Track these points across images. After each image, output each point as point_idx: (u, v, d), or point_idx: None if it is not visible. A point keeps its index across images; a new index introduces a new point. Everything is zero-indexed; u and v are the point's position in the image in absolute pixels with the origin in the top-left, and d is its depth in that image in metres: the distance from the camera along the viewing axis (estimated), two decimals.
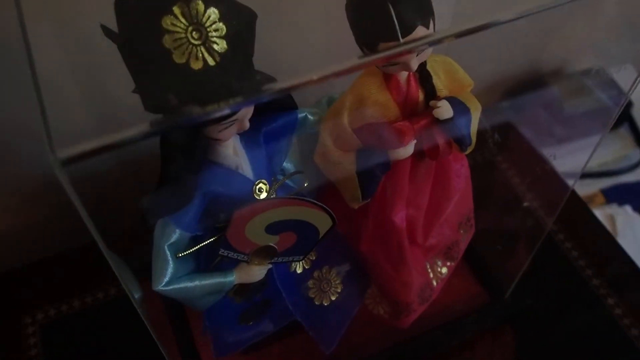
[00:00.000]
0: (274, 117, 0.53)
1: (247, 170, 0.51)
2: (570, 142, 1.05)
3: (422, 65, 0.54)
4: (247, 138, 0.51)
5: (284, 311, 0.64)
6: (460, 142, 0.56)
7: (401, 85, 0.54)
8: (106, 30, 0.42)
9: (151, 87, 0.40)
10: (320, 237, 0.55)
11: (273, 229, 0.52)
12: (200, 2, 0.39)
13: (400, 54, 0.47)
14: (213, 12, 0.40)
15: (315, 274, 0.64)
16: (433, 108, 0.55)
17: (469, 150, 0.59)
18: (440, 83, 0.55)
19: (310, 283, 0.64)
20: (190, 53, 0.39)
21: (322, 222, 0.53)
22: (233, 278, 0.56)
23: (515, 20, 0.36)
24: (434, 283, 0.72)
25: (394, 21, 0.45)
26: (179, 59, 0.39)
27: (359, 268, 0.68)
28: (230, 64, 0.41)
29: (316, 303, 0.65)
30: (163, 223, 0.50)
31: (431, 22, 0.47)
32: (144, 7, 0.38)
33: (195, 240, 0.53)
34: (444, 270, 0.73)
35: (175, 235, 0.50)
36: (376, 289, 0.71)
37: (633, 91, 0.68)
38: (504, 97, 1.18)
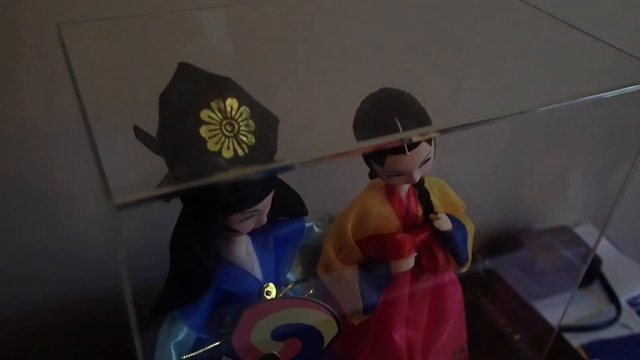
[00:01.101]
0: (284, 223, 0.56)
1: (257, 271, 0.53)
2: (545, 298, 1.08)
3: (421, 183, 0.59)
4: (258, 240, 0.53)
5: None
6: (458, 256, 0.59)
7: (402, 199, 0.58)
8: (139, 133, 0.47)
9: (184, 171, 0.43)
10: (325, 346, 0.54)
11: (279, 333, 0.52)
12: (235, 100, 0.44)
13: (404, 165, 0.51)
14: (245, 110, 0.45)
15: None
16: (432, 222, 0.58)
17: (465, 268, 0.61)
18: (436, 200, 0.60)
19: None
20: (222, 143, 0.43)
21: (328, 328, 0.53)
22: None
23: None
24: None
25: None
26: (212, 147, 0.43)
27: None
28: (256, 156, 0.45)
29: None
30: (171, 320, 0.50)
31: (433, 140, 0.53)
32: (186, 101, 0.43)
33: (198, 345, 0.52)
34: None
35: (183, 334, 0.49)
36: None
37: (596, 249, 0.73)
38: (481, 251, 1.23)
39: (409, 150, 0.51)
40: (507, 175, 1.03)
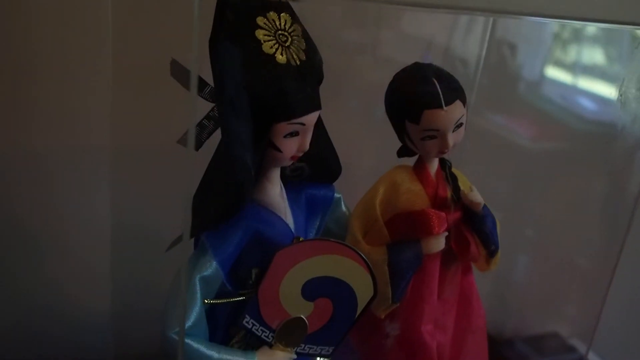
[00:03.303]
0: (316, 186, 0.54)
1: (289, 220, 0.50)
2: None
3: (449, 166, 0.59)
4: (291, 193, 0.51)
5: None
6: (488, 241, 0.57)
7: (432, 178, 0.57)
8: (176, 68, 0.47)
9: (236, 68, 0.42)
10: (357, 314, 0.50)
11: (310, 290, 0.48)
12: (289, 16, 0.45)
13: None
14: (297, 28, 0.46)
15: None
16: (462, 205, 0.57)
17: (494, 262, 0.59)
18: (462, 186, 0.59)
19: None
20: (276, 49, 0.44)
21: (363, 288, 0.49)
22: None
23: None
24: None
25: (438, 92, 0.52)
26: (267, 49, 0.43)
27: None
28: (306, 73, 0.45)
29: None
30: (199, 252, 0.46)
31: (465, 104, 0.54)
32: (244, 7, 0.44)
33: (223, 295, 0.47)
34: None
35: (211, 268, 0.45)
36: None
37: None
38: None
39: (445, 105, 0.52)
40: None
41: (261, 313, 0.48)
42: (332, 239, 0.48)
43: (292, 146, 0.45)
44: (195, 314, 0.44)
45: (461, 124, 0.54)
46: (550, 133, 0.96)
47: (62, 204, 0.72)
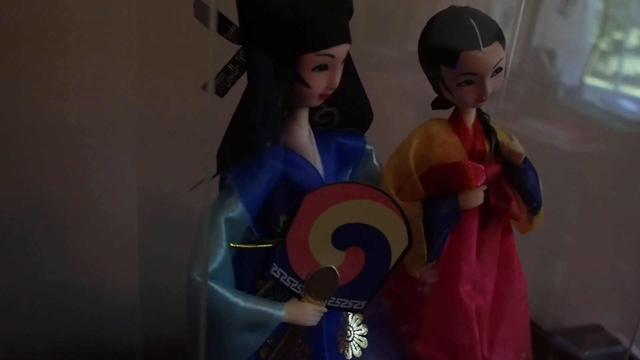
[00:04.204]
0: (346, 135, 0.51)
1: (318, 166, 0.47)
2: None
3: (486, 120, 0.55)
4: (320, 142, 0.49)
5: None
6: (530, 196, 0.53)
7: (469, 130, 0.54)
8: (199, 8, 0.45)
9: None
10: (391, 266, 0.47)
11: (341, 238, 0.45)
12: None
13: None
14: None
15: None
16: (502, 158, 0.54)
17: (536, 222, 0.55)
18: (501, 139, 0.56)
19: None
20: None
21: (397, 237, 0.46)
22: (282, 313, 0.45)
23: None
24: None
25: (476, 32, 0.49)
26: None
27: None
28: (336, 3, 0.43)
29: None
30: (225, 192, 0.43)
31: (504, 46, 0.51)
32: None
33: (249, 241, 0.45)
34: None
35: (237, 209, 0.43)
36: None
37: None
38: None
39: (483, 47, 0.49)
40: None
41: (290, 262, 0.45)
42: (365, 182, 0.45)
43: (321, 82, 0.43)
44: (220, 256, 0.42)
45: (500, 69, 0.50)
46: (590, 135, 0.95)
47: (89, 180, 0.71)
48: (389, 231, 0.46)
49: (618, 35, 0.92)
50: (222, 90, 0.45)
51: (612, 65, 0.95)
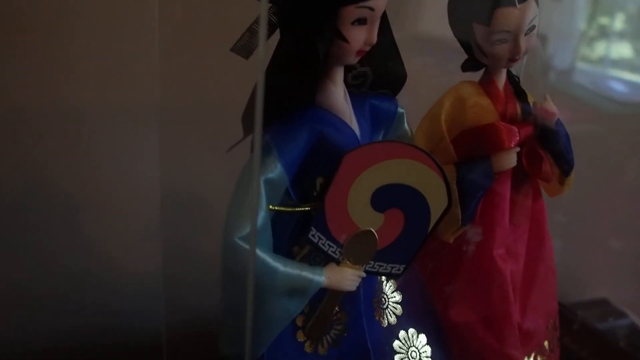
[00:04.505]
0: (378, 97, 0.50)
1: (354, 127, 0.46)
2: None
3: (517, 82, 0.54)
4: (355, 103, 0.47)
5: None
6: (563, 158, 0.53)
7: (500, 92, 0.53)
8: None
9: None
10: (430, 228, 0.46)
11: (380, 199, 0.44)
12: None
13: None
14: None
15: (402, 334, 0.51)
16: (532, 123, 0.53)
17: (568, 183, 0.55)
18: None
19: (396, 345, 0.50)
20: None
21: (436, 196, 0.45)
22: (322, 278, 0.44)
23: None
24: None
25: None
26: None
27: (449, 354, 0.54)
28: None
29: None
30: (263, 153, 0.42)
31: (538, 2, 0.50)
32: None
33: (286, 204, 0.44)
34: None
35: (276, 170, 0.41)
36: None
37: None
38: None
39: (518, 3, 0.47)
40: None
41: (328, 225, 0.44)
42: (405, 142, 0.44)
43: (360, 36, 0.41)
44: (260, 218, 0.40)
45: (534, 27, 0.49)
46: (581, 117, 0.95)
47: (110, 167, 0.69)
48: (428, 191, 0.45)
49: (605, 20, 0.95)
50: (246, 51, 0.43)
51: (601, 49, 0.96)
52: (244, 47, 0.43)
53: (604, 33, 0.95)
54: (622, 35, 0.96)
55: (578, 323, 0.88)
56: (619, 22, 0.97)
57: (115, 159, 0.68)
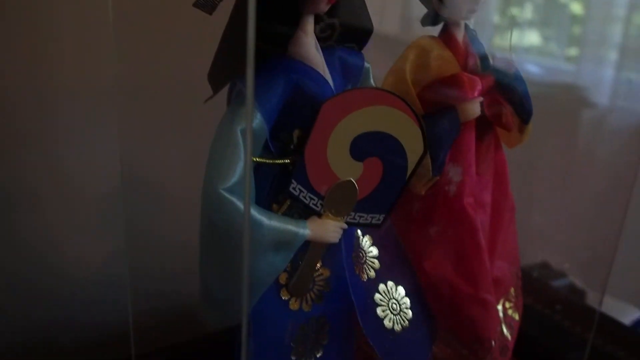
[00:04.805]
0: (347, 51, 0.49)
1: (327, 77, 0.45)
2: None
3: (475, 36, 0.56)
4: (325, 56, 0.47)
5: (344, 348, 0.51)
6: (523, 107, 0.54)
7: (460, 45, 0.54)
8: None
9: None
10: (408, 175, 0.46)
11: (359, 148, 0.44)
12: None
13: None
14: None
15: (381, 287, 0.51)
16: (492, 74, 0.54)
17: (527, 132, 0.57)
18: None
19: (377, 298, 0.50)
20: None
21: (412, 144, 0.45)
22: (307, 231, 0.43)
23: None
24: (507, 334, 0.59)
25: None
26: None
27: (426, 304, 0.55)
28: None
29: (387, 326, 0.50)
30: (238, 102, 0.41)
31: None
32: None
33: (266, 156, 0.43)
34: (516, 316, 0.60)
35: (255, 119, 0.40)
36: (447, 335, 0.56)
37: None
38: None
39: None
40: None
41: (309, 177, 0.43)
42: (382, 88, 0.44)
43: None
44: (240, 169, 0.39)
45: None
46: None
47: (68, 149, 0.65)
48: (405, 139, 0.45)
49: (516, 11, 1.01)
50: (210, 6, 0.42)
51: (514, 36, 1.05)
52: (207, 2, 0.42)
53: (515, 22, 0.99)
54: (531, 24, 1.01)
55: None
56: (528, 12, 1.02)
57: (73, 141, 0.65)
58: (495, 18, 0.92)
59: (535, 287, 0.93)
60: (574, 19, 1.09)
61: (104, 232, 0.68)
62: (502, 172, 0.58)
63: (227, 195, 0.39)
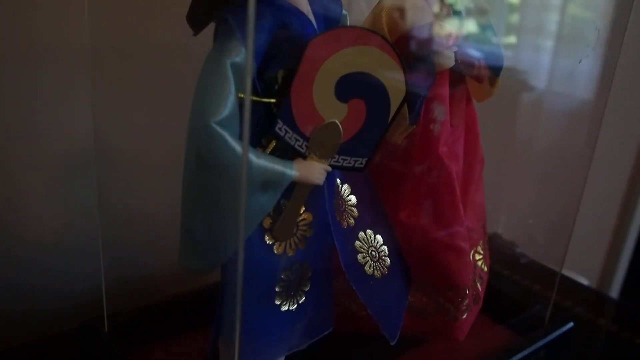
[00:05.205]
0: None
1: (311, 19, 0.45)
2: None
3: None
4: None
5: (324, 296, 0.51)
6: (494, 59, 0.55)
7: None
8: None
9: None
10: (391, 116, 0.46)
11: (343, 89, 0.44)
12: None
13: None
14: None
15: (361, 235, 0.51)
16: (464, 25, 0.55)
17: (497, 85, 0.58)
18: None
19: (357, 245, 0.51)
20: None
21: (395, 85, 0.46)
22: (294, 171, 0.43)
23: None
24: (478, 284, 0.60)
25: None
26: None
27: (401, 254, 0.56)
28: None
29: (367, 272, 0.51)
30: (225, 37, 0.40)
31: None
32: None
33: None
34: (485, 268, 0.62)
35: (241, 54, 0.39)
36: (422, 282, 0.57)
37: None
38: None
39: None
40: None
41: (294, 117, 0.43)
42: (367, 28, 0.44)
43: None
44: (230, 104, 0.38)
45: None
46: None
47: (39, 114, 0.62)
48: (388, 80, 0.45)
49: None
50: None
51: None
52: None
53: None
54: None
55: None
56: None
57: (46, 106, 0.61)
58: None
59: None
60: (511, 7, 1.11)
61: (74, 200, 0.65)
62: (473, 126, 0.60)
63: (218, 129, 0.38)
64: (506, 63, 0.57)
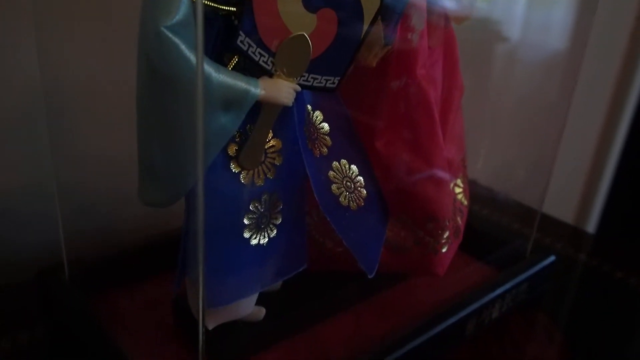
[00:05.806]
0: None
1: None
2: None
3: None
4: None
5: (297, 230, 0.48)
6: None
7: None
8: None
9: None
10: (365, 30, 0.42)
11: None
12: None
13: None
14: None
15: (334, 165, 0.48)
16: None
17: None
18: None
19: (331, 175, 0.47)
20: None
21: None
22: (258, 90, 0.39)
23: None
24: (458, 218, 0.58)
25: None
26: None
27: (378, 185, 0.53)
28: None
29: (342, 203, 0.47)
30: None
31: None
32: None
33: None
34: (465, 201, 0.59)
35: None
36: (401, 216, 0.54)
37: None
38: None
39: None
40: None
41: (258, 29, 0.39)
42: None
43: None
44: (184, 7, 0.34)
45: None
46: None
47: None
48: None
49: None
50: None
51: None
52: None
53: None
54: None
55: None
56: None
57: None
58: None
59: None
60: None
61: (28, 146, 0.60)
62: (452, 51, 0.56)
63: (170, 34, 0.34)
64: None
